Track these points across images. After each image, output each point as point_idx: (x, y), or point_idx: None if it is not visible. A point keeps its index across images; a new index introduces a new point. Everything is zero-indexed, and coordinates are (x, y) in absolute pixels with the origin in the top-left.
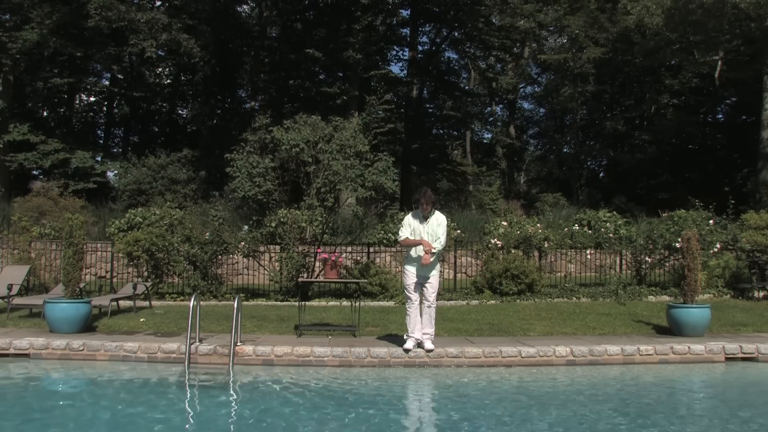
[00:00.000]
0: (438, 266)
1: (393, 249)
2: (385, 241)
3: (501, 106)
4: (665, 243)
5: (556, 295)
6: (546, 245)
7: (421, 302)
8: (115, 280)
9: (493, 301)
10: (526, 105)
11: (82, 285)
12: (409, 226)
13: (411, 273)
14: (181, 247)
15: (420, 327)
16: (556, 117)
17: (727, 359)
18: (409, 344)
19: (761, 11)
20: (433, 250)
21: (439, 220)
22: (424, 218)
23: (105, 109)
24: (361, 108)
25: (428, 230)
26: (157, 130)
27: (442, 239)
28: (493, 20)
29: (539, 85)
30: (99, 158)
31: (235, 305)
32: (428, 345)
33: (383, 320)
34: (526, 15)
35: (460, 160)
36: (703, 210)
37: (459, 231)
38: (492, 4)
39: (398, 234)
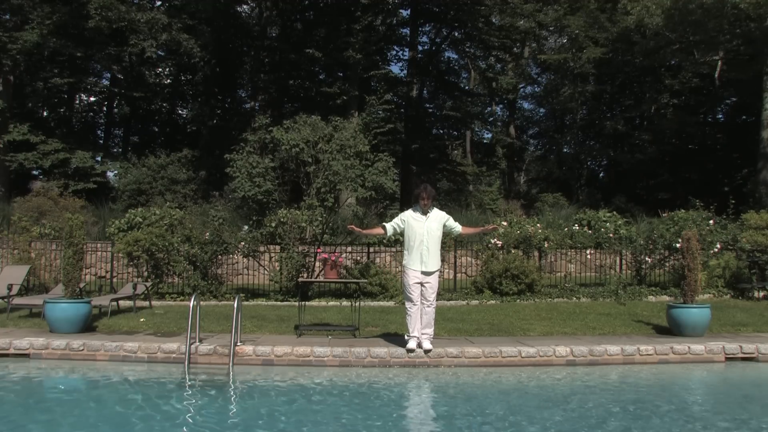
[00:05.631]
0: (439, 266)
1: (393, 249)
2: (385, 241)
3: (501, 106)
4: (665, 243)
5: (556, 295)
6: (546, 245)
7: (420, 302)
8: (115, 280)
9: (493, 301)
10: (526, 105)
11: (82, 285)
12: (402, 221)
13: (411, 272)
14: (181, 247)
15: (420, 327)
16: (556, 117)
17: (727, 359)
18: (412, 344)
19: (761, 11)
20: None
21: (439, 215)
22: (423, 213)
23: (105, 109)
24: (361, 108)
25: (428, 225)
26: (157, 130)
27: (457, 225)
28: (493, 20)
29: (539, 85)
30: (99, 158)
31: (235, 305)
32: (426, 345)
33: (383, 320)
34: (526, 15)
35: (460, 160)
36: (703, 210)
37: None
38: (492, 4)
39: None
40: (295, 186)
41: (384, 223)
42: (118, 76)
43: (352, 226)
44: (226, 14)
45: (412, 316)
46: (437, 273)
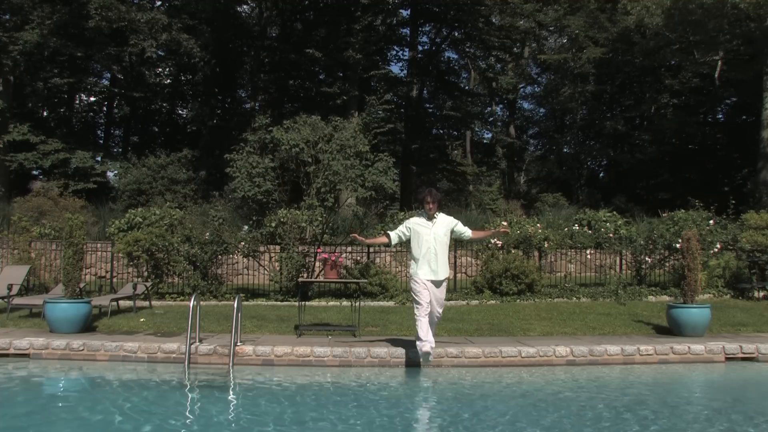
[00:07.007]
0: (448, 273)
1: (393, 249)
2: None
3: (501, 106)
4: (665, 243)
5: (556, 295)
6: (546, 245)
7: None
8: (115, 280)
9: (493, 301)
10: (526, 105)
11: (82, 285)
12: (408, 229)
13: (419, 280)
14: (181, 247)
15: (432, 333)
16: (556, 117)
17: (727, 359)
18: (426, 347)
19: (761, 11)
20: (468, 234)
21: (446, 220)
22: (429, 219)
23: (105, 109)
24: (361, 108)
25: (435, 231)
26: (157, 130)
27: (466, 230)
28: (493, 20)
29: (539, 85)
30: (99, 158)
31: (235, 305)
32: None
33: (383, 320)
34: (526, 15)
35: (460, 160)
36: (703, 210)
37: None
38: (492, 4)
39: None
40: (295, 186)
41: (388, 231)
42: (118, 76)
43: (355, 235)
44: (226, 14)
45: (423, 322)
46: (446, 282)
